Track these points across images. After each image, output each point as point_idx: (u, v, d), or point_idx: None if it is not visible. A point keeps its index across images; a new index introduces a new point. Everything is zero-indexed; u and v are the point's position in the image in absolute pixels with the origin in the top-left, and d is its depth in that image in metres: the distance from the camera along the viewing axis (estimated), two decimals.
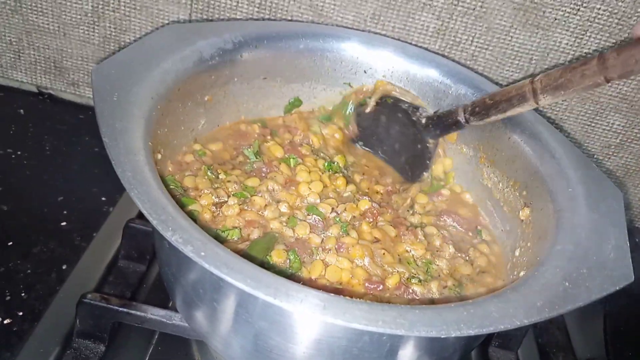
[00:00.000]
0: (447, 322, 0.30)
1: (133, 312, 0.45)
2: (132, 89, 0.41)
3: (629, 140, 0.72)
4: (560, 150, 0.47)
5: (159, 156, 0.44)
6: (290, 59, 0.55)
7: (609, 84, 0.66)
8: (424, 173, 0.55)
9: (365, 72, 0.58)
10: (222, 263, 0.30)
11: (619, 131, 0.71)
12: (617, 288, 0.35)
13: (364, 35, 0.58)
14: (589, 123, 0.71)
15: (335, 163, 0.55)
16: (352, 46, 0.57)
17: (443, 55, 0.65)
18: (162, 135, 0.44)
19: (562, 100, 0.69)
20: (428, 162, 0.55)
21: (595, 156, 0.73)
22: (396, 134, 0.55)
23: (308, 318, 0.34)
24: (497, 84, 0.57)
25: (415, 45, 0.65)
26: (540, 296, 0.33)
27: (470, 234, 0.53)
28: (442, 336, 0.30)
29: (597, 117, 0.71)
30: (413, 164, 0.55)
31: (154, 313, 0.45)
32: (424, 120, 0.54)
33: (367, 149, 0.59)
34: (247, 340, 0.38)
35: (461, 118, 0.49)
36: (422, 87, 0.56)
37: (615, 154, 0.73)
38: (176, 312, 0.45)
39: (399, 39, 0.65)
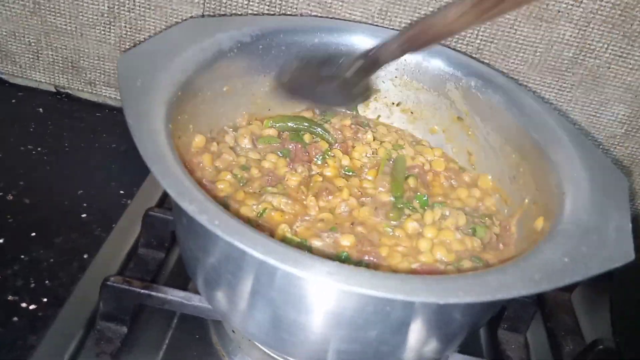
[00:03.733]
0: (446, 289, 0.32)
1: (154, 293, 0.47)
2: (155, 76, 0.44)
3: (634, 130, 0.73)
4: (567, 139, 0.48)
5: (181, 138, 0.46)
6: (306, 53, 0.57)
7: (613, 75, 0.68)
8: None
9: None
10: (234, 231, 0.32)
11: (624, 121, 0.73)
12: (617, 265, 0.36)
13: (375, 29, 0.60)
14: (594, 114, 0.73)
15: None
16: (364, 40, 0.58)
17: (451, 48, 0.67)
18: (182, 120, 0.46)
19: (567, 92, 0.71)
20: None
21: (601, 146, 0.75)
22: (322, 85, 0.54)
23: (315, 285, 0.36)
24: (505, 74, 0.59)
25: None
26: (539, 270, 0.34)
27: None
28: (440, 302, 0.31)
29: (602, 108, 0.72)
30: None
31: (174, 294, 0.47)
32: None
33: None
34: (262, 314, 0.40)
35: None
36: (433, 79, 0.58)
37: (621, 144, 0.74)
38: (195, 294, 0.47)
39: None
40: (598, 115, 0.73)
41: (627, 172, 0.76)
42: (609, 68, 0.69)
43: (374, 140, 0.57)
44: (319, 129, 0.57)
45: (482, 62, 0.60)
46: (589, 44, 0.67)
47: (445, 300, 0.31)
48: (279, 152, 0.54)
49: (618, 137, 0.74)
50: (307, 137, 0.56)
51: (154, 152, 0.37)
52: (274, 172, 0.51)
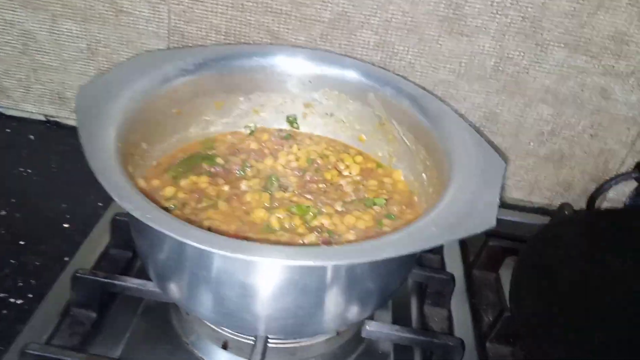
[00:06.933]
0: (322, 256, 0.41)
1: (115, 282, 0.55)
2: (107, 105, 0.53)
3: (559, 128, 0.81)
4: (460, 133, 0.57)
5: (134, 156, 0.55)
6: (246, 75, 0.66)
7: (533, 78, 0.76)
8: None
9: (310, 82, 0.68)
10: (162, 221, 0.41)
11: (548, 120, 0.81)
12: (478, 231, 0.44)
13: (306, 51, 0.69)
14: (521, 114, 0.81)
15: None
16: (297, 61, 0.67)
17: (380, 66, 0.76)
18: (134, 139, 0.55)
19: (494, 96, 0.79)
20: None
21: (530, 143, 0.83)
22: None
23: (235, 262, 0.44)
24: (413, 83, 0.67)
25: (357, 58, 0.76)
26: (409, 238, 0.43)
27: None
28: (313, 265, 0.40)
29: (527, 109, 0.80)
30: None
31: (132, 282, 0.56)
32: None
33: None
34: (196, 292, 0.48)
35: None
36: (356, 90, 0.66)
37: (548, 140, 0.82)
38: (150, 281, 0.55)
39: (344, 54, 0.76)
40: (525, 115, 0.81)
41: (557, 166, 0.84)
42: (528, 73, 0.77)
43: (298, 150, 0.66)
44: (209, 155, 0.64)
45: (394, 73, 0.69)
46: (507, 53, 0.76)
47: (318, 263, 0.40)
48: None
49: (546, 134, 0.82)
50: (219, 160, 0.63)
51: (102, 164, 0.46)
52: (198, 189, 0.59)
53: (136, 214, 0.42)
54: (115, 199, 0.43)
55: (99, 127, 0.50)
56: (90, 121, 0.50)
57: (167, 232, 0.41)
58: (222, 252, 0.40)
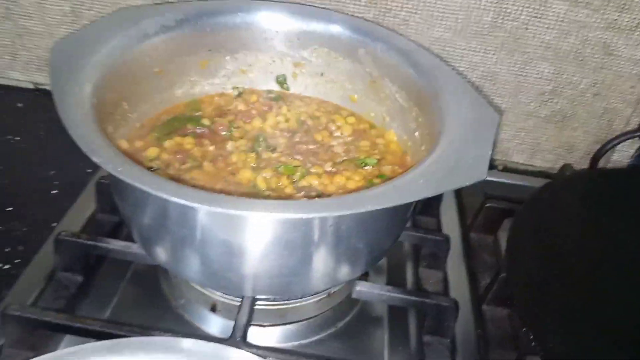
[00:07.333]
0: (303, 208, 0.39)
1: (99, 244, 0.54)
2: (81, 61, 0.51)
3: (561, 87, 0.78)
4: (453, 87, 0.55)
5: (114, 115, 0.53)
6: (230, 32, 0.64)
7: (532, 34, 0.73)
8: None
9: (298, 39, 0.66)
10: (134, 175, 0.39)
11: (550, 78, 0.78)
12: (467, 184, 0.42)
13: (295, 7, 0.66)
14: (521, 73, 0.78)
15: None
16: (283, 17, 0.64)
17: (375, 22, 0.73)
18: (112, 99, 0.53)
19: (492, 54, 0.76)
20: None
21: (531, 104, 0.80)
22: None
23: (215, 217, 0.43)
24: (404, 37, 0.64)
25: (350, 15, 0.73)
26: (394, 190, 0.41)
27: None
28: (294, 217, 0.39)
29: (527, 67, 0.77)
30: None
31: (116, 244, 0.54)
32: None
33: None
34: (184, 251, 0.46)
35: None
36: (346, 47, 0.64)
37: (550, 100, 0.80)
38: (134, 243, 0.54)
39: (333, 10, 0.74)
40: (525, 74, 0.78)
41: (559, 128, 0.82)
42: (527, 29, 0.74)
43: (288, 111, 0.64)
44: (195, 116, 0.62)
45: (385, 27, 0.66)
46: (505, 8, 0.73)
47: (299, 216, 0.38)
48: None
49: (547, 93, 0.79)
50: (205, 121, 0.61)
51: (74, 119, 0.44)
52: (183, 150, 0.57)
53: (107, 167, 0.40)
54: (85, 151, 0.41)
55: (74, 83, 0.48)
56: (64, 76, 0.49)
57: (139, 186, 0.39)
58: (195, 205, 0.38)
